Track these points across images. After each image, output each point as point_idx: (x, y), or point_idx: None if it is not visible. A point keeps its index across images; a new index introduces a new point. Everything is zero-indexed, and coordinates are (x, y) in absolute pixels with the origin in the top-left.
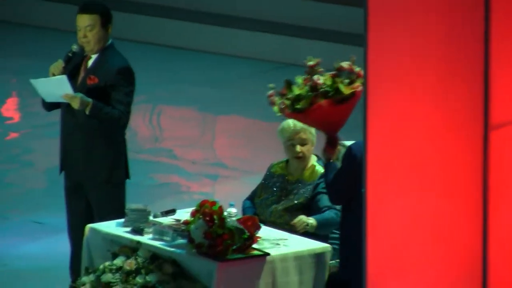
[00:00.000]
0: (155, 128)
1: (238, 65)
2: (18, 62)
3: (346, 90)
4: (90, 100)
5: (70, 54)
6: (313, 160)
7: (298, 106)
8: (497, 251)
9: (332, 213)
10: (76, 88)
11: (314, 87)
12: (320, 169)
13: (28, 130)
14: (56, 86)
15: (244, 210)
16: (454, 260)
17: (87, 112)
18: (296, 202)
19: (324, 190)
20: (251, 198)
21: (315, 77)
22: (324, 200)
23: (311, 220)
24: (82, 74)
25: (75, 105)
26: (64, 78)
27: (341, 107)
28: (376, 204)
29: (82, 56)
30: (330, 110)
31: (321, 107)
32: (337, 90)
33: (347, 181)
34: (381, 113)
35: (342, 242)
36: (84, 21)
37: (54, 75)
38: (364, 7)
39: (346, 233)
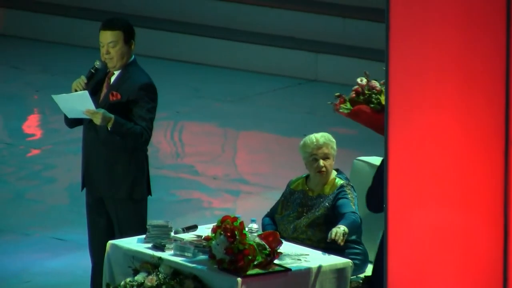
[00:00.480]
0: (176, 144)
1: (260, 80)
2: (40, 79)
3: (384, 101)
4: (112, 116)
5: (92, 71)
6: (333, 174)
7: (344, 105)
8: None
9: (353, 216)
10: (98, 104)
11: (361, 92)
12: (339, 181)
13: (49, 146)
14: (77, 102)
15: (264, 227)
16: (475, 272)
17: (109, 128)
18: (317, 214)
19: (344, 196)
20: (271, 215)
21: (359, 79)
22: (345, 205)
23: (343, 227)
24: (104, 90)
25: (97, 120)
26: (85, 93)
27: (382, 116)
28: (397, 217)
29: (105, 72)
30: (375, 116)
31: (362, 112)
32: (379, 100)
33: (376, 197)
34: (403, 127)
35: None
36: (107, 37)
37: (76, 91)
38: (386, 22)
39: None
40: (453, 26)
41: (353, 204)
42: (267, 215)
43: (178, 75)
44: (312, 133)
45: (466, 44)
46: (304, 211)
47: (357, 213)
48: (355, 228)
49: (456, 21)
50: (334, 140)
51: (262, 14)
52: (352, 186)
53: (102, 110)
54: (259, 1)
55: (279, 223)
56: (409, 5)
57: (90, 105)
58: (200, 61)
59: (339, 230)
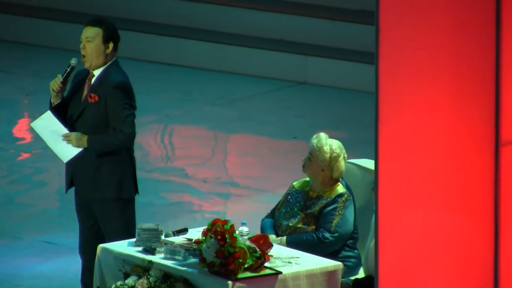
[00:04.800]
0: (166, 147)
1: (249, 83)
2: (30, 83)
3: None
4: (84, 135)
5: (68, 69)
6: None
7: None
8: (508, 264)
9: (313, 236)
10: (80, 106)
11: None
12: (340, 189)
13: (40, 150)
14: (49, 125)
15: (263, 229)
16: (466, 275)
17: (87, 145)
18: (313, 210)
19: (332, 211)
20: (271, 214)
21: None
22: (324, 222)
23: (283, 239)
24: (85, 92)
25: (73, 143)
26: (48, 113)
27: None
28: (388, 219)
29: (87, 71)
30: None
31: None
32: None
33: None
34: (393, 130)
35: None
36: (86, 32)
37: (54, 90)
38: (375, 25)
39: None
40: (443, 29)
41: (336, 221)
42: (267, 216)
43: (168, 78)
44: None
45: (456, 46)
46: (301, 210)
47: (327, 234)
48: (301, 246)
49: (446, 23)
50: (328, 150)
51: (251, 17)
52: (352, 196)
53: (74, 133)
54: (248, 4)
55: (276, 219)
56: (398, 7)
57: (59, 126)
58: (189, 64)
59: (275, 239)
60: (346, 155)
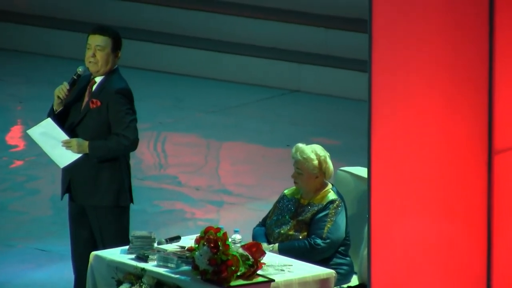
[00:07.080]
0: (159, 155)
1: (242, 91)
2: (23, 90)
3: None
4: (85, 142)
5: (75, 77)
6: (328, 187)
7: None
8: (501, 271)
9: (305, 243)
10: (80, 112)
11: None
12: (331, 195)
13: (33, 158)
14: (49, 132)
15: (253, 238)
16: (459, 282)
17: (88, 151)
18: (304, 217)
19: (324, 218)
20: (263, 222)
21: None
22: (315, 228)
23: (275, 246)
24: (86, 98)
25: (74, 149)
26: (49, 120)
27: None
28: (380, 227)
29: (88, 79)
30: None
31: None
32: None
33: None
34: (385, 137)
35: None
36: (96, 40)
37: (59, 97)
38: (368, 32)
39: None
40: (436, 36)
41: (327, 227)
42: (258, 225)
43: (161, 86)
44: (296, 143)
45: (450, 53)
46: (292, 217)
47: (318, 240)
48: (293, 253)
49: (439, 31)
50: (314, 157)
51: (244, 24)
52: (343, 203)
53: (75, 139)
54: (241, 12)
55: (267, 227)
56: (391, 15)
57: (60, 132)
58: (183, 72)
59: (267, 246)
60: (328, 154)
